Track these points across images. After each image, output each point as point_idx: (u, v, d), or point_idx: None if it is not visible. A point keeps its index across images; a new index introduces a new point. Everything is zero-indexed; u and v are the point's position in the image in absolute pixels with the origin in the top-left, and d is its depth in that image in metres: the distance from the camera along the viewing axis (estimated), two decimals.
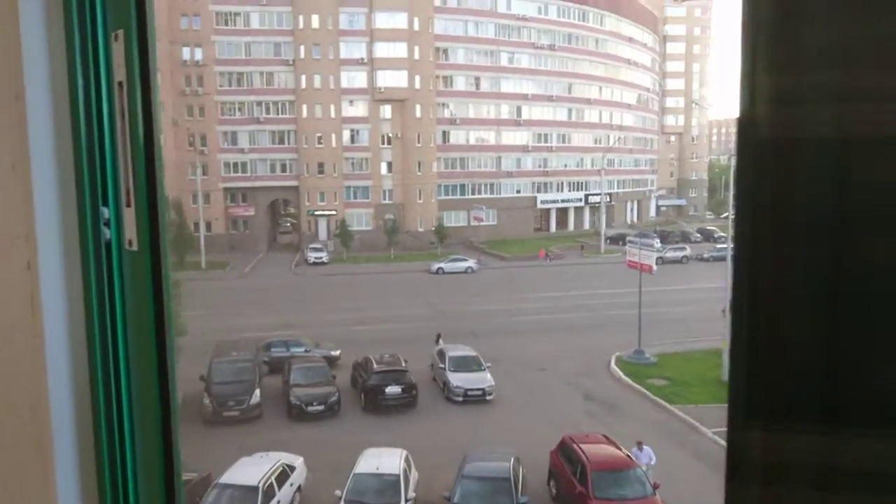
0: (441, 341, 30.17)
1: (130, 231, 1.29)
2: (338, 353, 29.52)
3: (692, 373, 27.82)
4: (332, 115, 69.75)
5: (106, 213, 1.30)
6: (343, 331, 35.34)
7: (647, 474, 16.34)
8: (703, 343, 31.08)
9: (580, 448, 17.00)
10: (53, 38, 1.27)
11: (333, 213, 70.08)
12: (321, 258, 61.39)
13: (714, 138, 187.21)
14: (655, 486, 15.84)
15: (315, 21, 68.45)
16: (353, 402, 24.41)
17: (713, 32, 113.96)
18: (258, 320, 36.52)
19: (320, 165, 69.88)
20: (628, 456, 16.94)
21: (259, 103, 70.16)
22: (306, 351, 28.44)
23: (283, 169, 71.79)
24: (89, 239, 1.30)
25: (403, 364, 25.08)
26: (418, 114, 71.48)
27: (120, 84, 1.28)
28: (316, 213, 70.56)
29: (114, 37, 1.28)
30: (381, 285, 51.86)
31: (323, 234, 70.52)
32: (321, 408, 22.84)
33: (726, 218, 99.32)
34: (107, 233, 1.30)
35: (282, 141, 71.19)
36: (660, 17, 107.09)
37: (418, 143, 71.68)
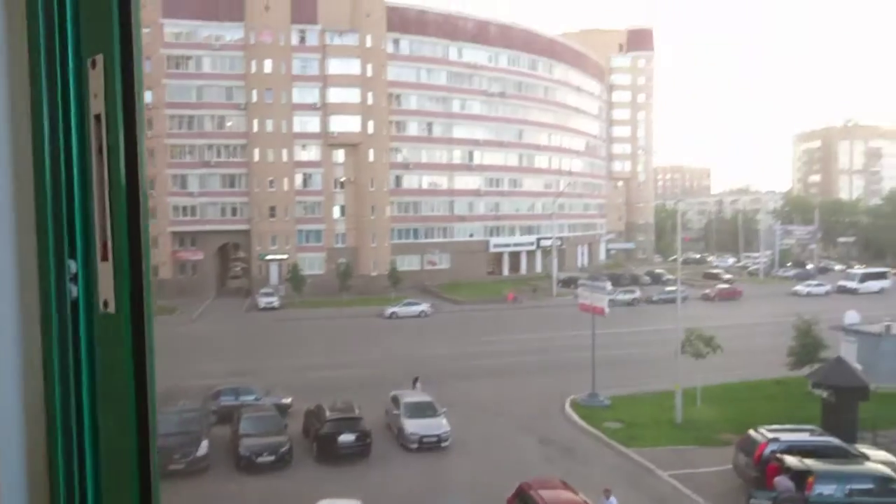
0: (418, 384, 29.99)
1: (106, 290, 1.09)
2: (289, 400, 28.79)
3: (646, 415, 27.98)
4: (285, 159, 69.52)
5: (73, 266, 1.11)
6: (295, 377, 34.55)
7: None
8: (657, 385, 31.37)
9: (537, 494, 16.78)
10: (14, 62, 1.11)
11: (285, 257, 69.26)
12: (272, 303, 60.34)
13: (660, 184, 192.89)
14: None
15: (268, 66, 68.65)
16: (306, 451, 23.72)
17: (656, 82, 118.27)
18: (207, 367, 35.46)
19: (272, 209, 69.26)
20: (585, 501, 16.80)
21: (210, 147, 69.52)
22: (257, 399, 27.64)
23: (234, 213, 70.88)
24: (52, 297, 1.11)
25: (357, 411, 24.55)
26: (371, 158, 71.86)
27: (97, 117, 1.11)
28: (267, 257, 69.62)
29: (90, 63, 1.10)
30: (333, 330, 51.14)
31: (274, 278, 69.50)
32: (272, 458, 22.10)
33: (674, 261, 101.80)
34: (73, 290, 1.11)
35: (233, 185, 70.46)
36: (606, 66, 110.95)
37: (371, 187, 71.87)
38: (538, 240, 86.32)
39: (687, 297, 56.66)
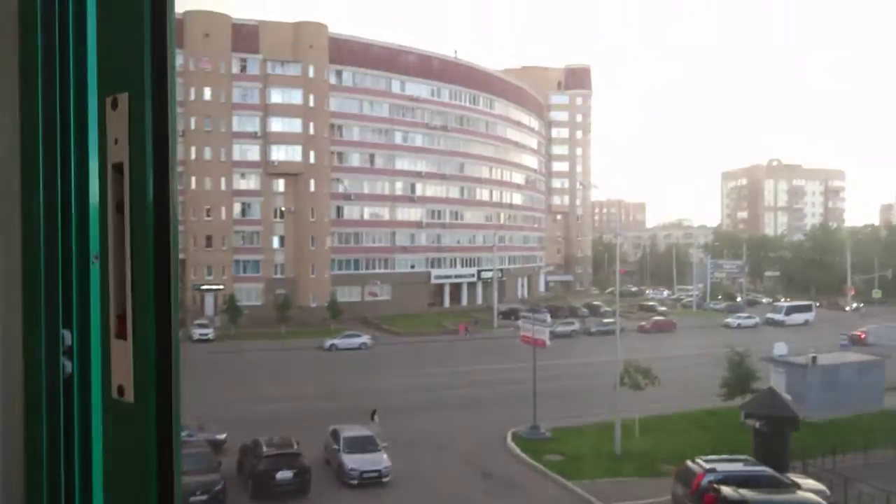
0: (376, 417, 29.35)
1: (122, 373, 0.88)
2: (223, 436, 27.79)
3: (587, 447, 28.12)
4: (223, 187, 68.22)
5: (68, 338, 0.92)
6: (230, 412, 33.38)
7: None
8: (597, 417, 31.65)
9: None
10: (5, 99, 0.94)
11: (221, 287, 67.52)
12: (207, 335, 58.51)
13: (597, 218, 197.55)
14: None
15: (207, 93, 67.61)
16: (241, 489, 22.85)
17: (593, 119, 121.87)
18: None
19: (208, 238, 67.63)
20: None
21: None
22: (189, 435, 26.50)
23: None
24: (41, 371, 0.92)
25: (295, 446, 23.88)
26: (313, 188, 71.24)
27: (117, 166, 0.92)
28: (202, 287, 67.72)
29: (110, 102, 0.91)
30: (271, 363, 49.87)
31: (209, 309, 67.55)
32: (204, 498, 21.19)
33: (611, 293, 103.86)
34: (68, 365, 0.92)
35: None
36: (545, 103, 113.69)
37: (312, 217, 71.13)
38: (479, 271, 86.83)
39: (624, 329, 57.74)
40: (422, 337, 63.65)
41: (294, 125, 70.24)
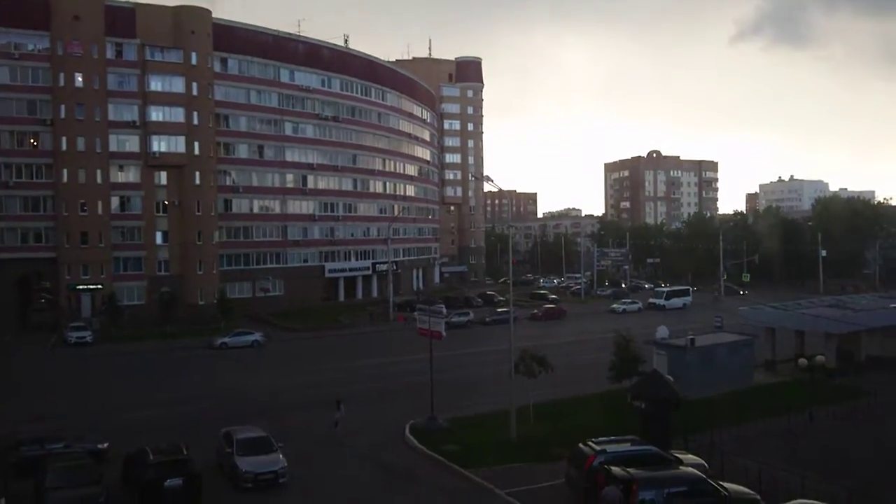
0: (342, 407, 29.27)
1: None
2: (105, 446, 26.17)
3: (483, 435, 28.58)
4: (99, 180, 64.08)
5: None
6: (112, 420, 31.61)
7: None
8: (493, 405, 32.25)
9: None
10: None
11: (100, 286, 63.57)
12: (84, 337, 54.98)
13: (489, 209, 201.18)
14: None
15: (79, 80, 63.16)
16: (127, 501, 21.58)
17: (484, 112, 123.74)
18: (3, 415, 31.43)
19: (84, 235, 63.40)
20: None
21: (8, 166, 62.54)
22: (66, 447, 24.75)
23: (38, 239, 64.11)
24: None
25: (185, 452, 22.78)
26: (198, 181, 68.25)
27: None
28: (78, 287, 63.49)
29: None
30: (157, 365, 47.55)
31: (87, 310, 63.45)
32: None
33: (504, 283, 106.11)
34: None
35: (36, 208, 63.77)
36: (437, 95, 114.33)
37: (198, 211, 68.17)
38: (374, 264, 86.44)
39: (517, 317, 59.21)
40: (318, 332, 62.67)
41: (176, 114, 66.91)
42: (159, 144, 66.62)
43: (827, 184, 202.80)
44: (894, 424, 30.59)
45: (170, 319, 60.05)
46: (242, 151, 74.83)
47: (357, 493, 22.33)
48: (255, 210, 76.13)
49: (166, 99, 66.59)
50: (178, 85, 66.97)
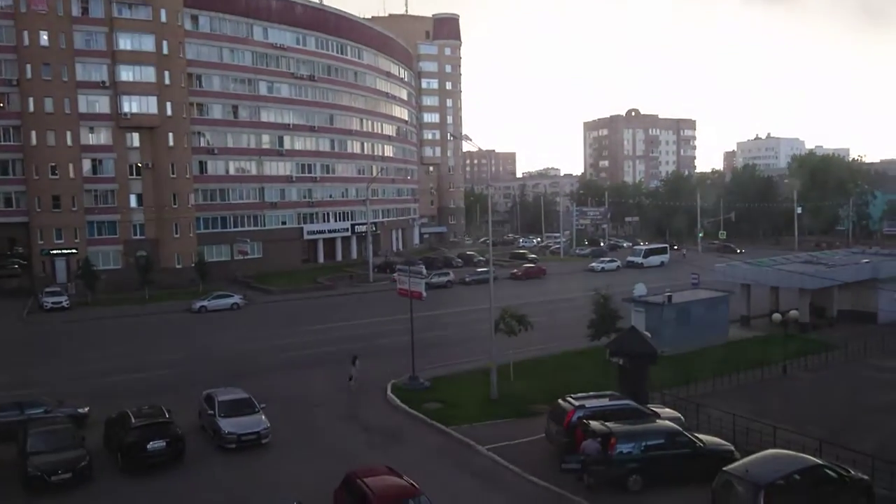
0: (357, 362, 29.69)
1: None
2: (86, 410, 26.11)
3: (465, 393, 28.94)
4: (69, 142, 62.63)
5: None
6: (92, 384, 31.49)
7: None
8: (473, 364, 32.59)
9: (364, 482, 16.66)
10: None
11: (74, 251, 62.66)
12: (60, 303, 54.40)
13: (468, 169, 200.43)
14: None
15: (44, 38, 61.19)
16: (110, 464, 21.64)
17: (462, 70, 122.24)
18: None
19: (56, 199, 62.20)
20: (411, 484, 16.96)
21: None
22: (46, 412, 24.66)
23: (9, 203, 62.90)
24: None
25: (167, 415, 22.83)
26: (171, 143, 66.96)
27: None
28: (52, 252, 62.55)
29: None
30: (136, 329, 47.28)
31: (62, 275, 62.66)
32: (68, 476, 19.86)
33: (484, 243, 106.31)
34: None
35: (5, 171, 62.41)
36: (414, 53, 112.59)
37: (172, 173, 67.05)
38: (353, 226, 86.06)
39: (497, 277, 59.50)
40: (297, 294, 62.58)
41: (147, 74, 65.23)
42: (130, 105, 65.05)
43: (803, 141, 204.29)
44: (863, 377, 31.42)
45: (147, 283, 59.50)
46: (216, 112, 73.42)
47: (339, 451, 22.56)
48: (231, 172, 75.08)
49: (136, 58, 64.81)
50: (147, 43, 65.15)
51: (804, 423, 23.71)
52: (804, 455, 18.52)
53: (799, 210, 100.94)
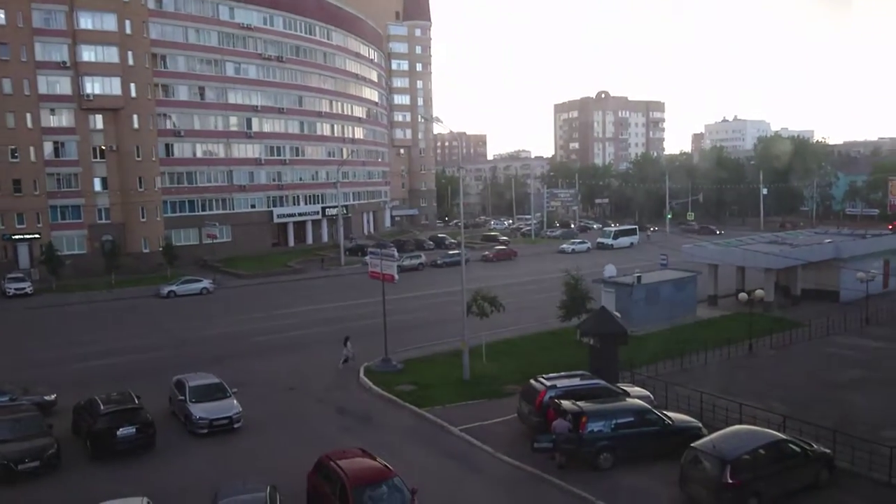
0: (349, 343, 30.33)
1: None
2: (53, 397, 25.70)
3: (437, 375, 29.06)
4: (30, 124, 60.96)
5: None
6: (58, 371, 30.98)
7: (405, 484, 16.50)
8: (445, 345, 32.72)
9: (337, 465, 16.65)
10: None
11: (37, 236, 61.25)
12: (24, 289, 53.30)
13: (439, 151, 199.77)
14: (413, 492, 16.11)
15: (1, 16, 59.30)
16: (78, 451, 21.35)
17: (433, 52, 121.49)
18: None
19: (16, 182, 60.61)
20: (385, 466, 17.02)
21: None
22: (12, 399, 24.20)
23: None
24: None
25: (136, 401, 22.56)
26: (136, 125, 65.57)
27: None
28: (14, 237, 61.05)
29: None
30: (102, 315, 46.53)
31: (24, 261, 61.28)
32: (35, 464, 19.56)
33: (455, 225, 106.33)
34: None
35: None
36: (384, 34, 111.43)
37: (138, 156, 65.73)
38: (323, 209, 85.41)
39: (469, 259, 59.69)
40: (267, 278, 62.08)
41: (110, 54, 63.60)
42: (93, 86, 63.44)
43: (769, 124, 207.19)
44: (825, 354, 32.24)
45: (113, 268, 58.49)
46: (182, 93, 72.00)
47: (313, 434, 22.54)
48: (199, 154, 73.85)
49: (98, 37, 63.13)
50: (109, 22, 63.46)
51: (769, 400, 24.31)
52: (769, 430, 19.00)
53: (764, 191, 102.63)
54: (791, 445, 18.01)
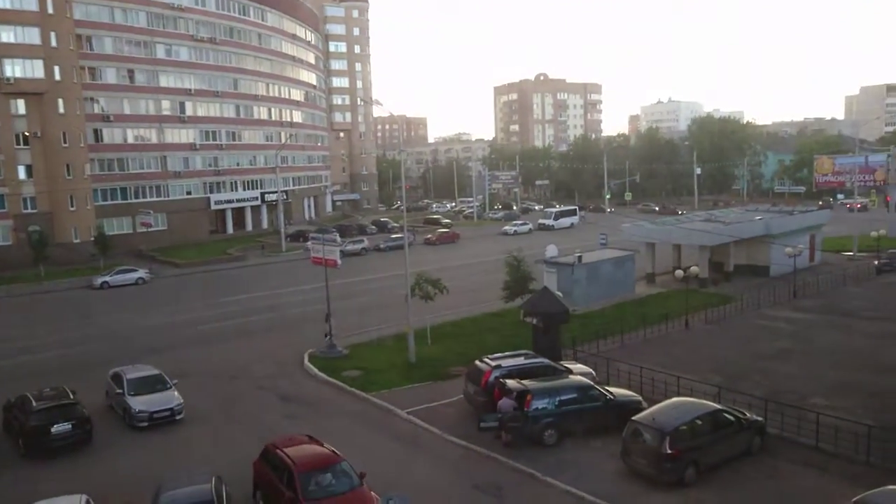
0: (331, 319, 29.66)
1: None
2: None
3: (383, 359, 29.04)
4: None
5: None
6: None
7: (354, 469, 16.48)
8: (391, 330, 32.69)
9: (284, 452, 16.50)
10: None
11: None
12: None
13: (380, 134, 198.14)
14: (362, 476, 16.12)
15: None
16: (11, 451, 20.53)
17: (371, 34, 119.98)
18: None
19: None
20: (333, 451, 16.95)
21: None
22: None
23: None
24: None
25: (71, 396, 21.81)
26: (61, 109, 62.67)
27: None
28: None
29: None
30: (32, 308, 44.66)
31: None
32: None
33: (398, 209, 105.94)
34: None
35: None
36: (320, 16, 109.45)
37: (65, 142, 62.93)
38: (262, 194, 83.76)
39: (412, 243, 59.64)
40: (206, 266, 60.63)
41: (30, 35, 60.42)
42: (13, 69, 60.23)
43: (702, 105, 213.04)
44: (757, 326, 33.58)
45: (42, 260, 56.07)
46: (110, 76, 69.22)
47: (258, 423, 22.27)
48: (130, 140, 71.26)
49: (16, 17, 59.89)
50: (29, 2, 60.29)
51: (705, 372, 25.20)
52: (705, 401, 19.72)
53: (698, 171, 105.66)
54: (726, 415, 18.75)
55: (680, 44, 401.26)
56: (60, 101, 62.42)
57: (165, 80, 73.52)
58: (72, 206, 63.47)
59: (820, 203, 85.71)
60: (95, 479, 18.25)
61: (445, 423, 21.81)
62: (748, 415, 19.39)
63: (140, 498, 16.12)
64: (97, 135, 67.83)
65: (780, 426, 19.71)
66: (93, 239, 61.04)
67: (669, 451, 16.97)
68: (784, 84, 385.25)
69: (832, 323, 33.75)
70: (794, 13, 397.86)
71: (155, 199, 72.18)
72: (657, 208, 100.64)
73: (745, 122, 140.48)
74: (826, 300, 38.63)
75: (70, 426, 20.50)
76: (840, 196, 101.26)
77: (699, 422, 18.12)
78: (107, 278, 51.66)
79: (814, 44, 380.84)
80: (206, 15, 77.23)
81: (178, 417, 22.67)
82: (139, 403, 22.43)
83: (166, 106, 74.05)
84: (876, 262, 47.04)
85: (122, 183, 70.01)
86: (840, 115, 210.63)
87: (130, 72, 70.61)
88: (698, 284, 40.09)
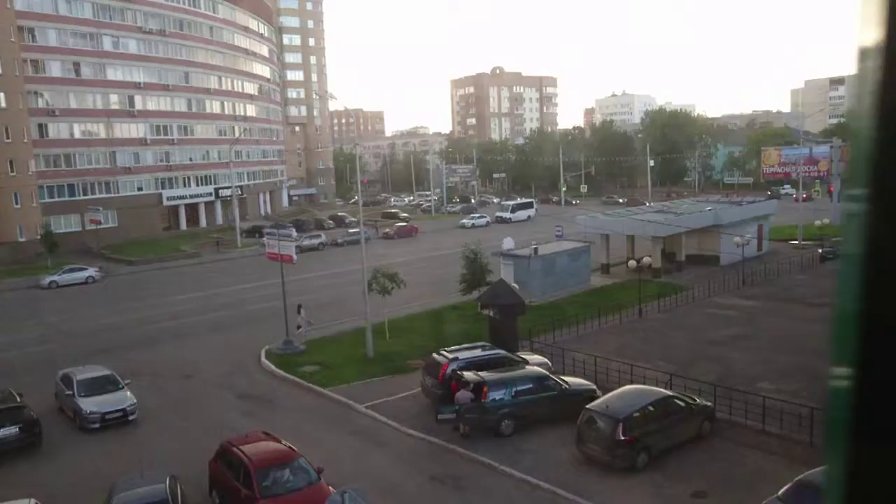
0: (303, 311, 30.09)
1: None
2: None
3: (341, 354, 28.94)
4: None
5: None
6: None
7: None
8: (349, 324, 32.59)
9: (240, 450, 16.39)
10: None
11: None
12: None
13: (336, 128, 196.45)
14: (320, 471, 16.11)
15: None
16: None
17: (326, 26, 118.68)
18: None
19: None
20: (290, 447, 16.89)
21: None
22: None
23: None
24: None
25: (18, 399, 21.25)
26: (3, 103, 60.58)
27: None
28: None
29: None
30: None
31: None
32: None
33: (354, 203, 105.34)
34: None
35: None
36: (274, 8, 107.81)
37: (7, 138, 60.85)
38: (217, 189, 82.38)
39: (370, 237, 59.44)
40: (159, 263, 59.42)
41: None
42: None
43: (654, 98, 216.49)
44: (707, 314, 34.46)
45: None
46: (55, 69, 67.17)
47: (213, 422, 21.99)
48: (77, 135, 69.31)
49: None
50: None
51: (657, 360, 25.79)
52: (656, 388, 20.23)
53: (651, 163, 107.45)
54: (676, 401, 19.26)
55: (633, 37, 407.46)
56: (2, 95, 60.30)
57: (113, 74, 71.66)
58: (16, 204, 61.44)
59: (768, 193, 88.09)
60: (45, 482, 17.84)
61: (404, 416, 21.90)
62: (698, 400, 19.94)
63: (92, 500, 15.82)
64: (42, 130, 65.82)
65: (728, 410, 20.31)
66: (39, 237, 59.28)
67: (623, 438, 17.37)
68: (733, 77, 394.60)
69: (779, 309, 34.83)
70: (743, 8, 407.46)
71: (104, 195, 70.40)
72: (621, 200, 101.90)
73: (695, 114, 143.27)
74: (773, 287, 39.83)
75: (17, 430, 19.99)
76: (787, 186, 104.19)
77: (651, 408, 18.57)
78: (55, 277, 50.26)
79: (761, 38, 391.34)
80: (155, 6, 75.43)
81: (131, 418, 22.28)
82: (90, 405, 21.97)
83: (115, 100, 72.20)
84: (820, 251, 48.64)
85: (70, 179, 68.09)
86: (786, 108, 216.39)
87: (76, 65, 68.63)
88: (651, 274, 40.91)
